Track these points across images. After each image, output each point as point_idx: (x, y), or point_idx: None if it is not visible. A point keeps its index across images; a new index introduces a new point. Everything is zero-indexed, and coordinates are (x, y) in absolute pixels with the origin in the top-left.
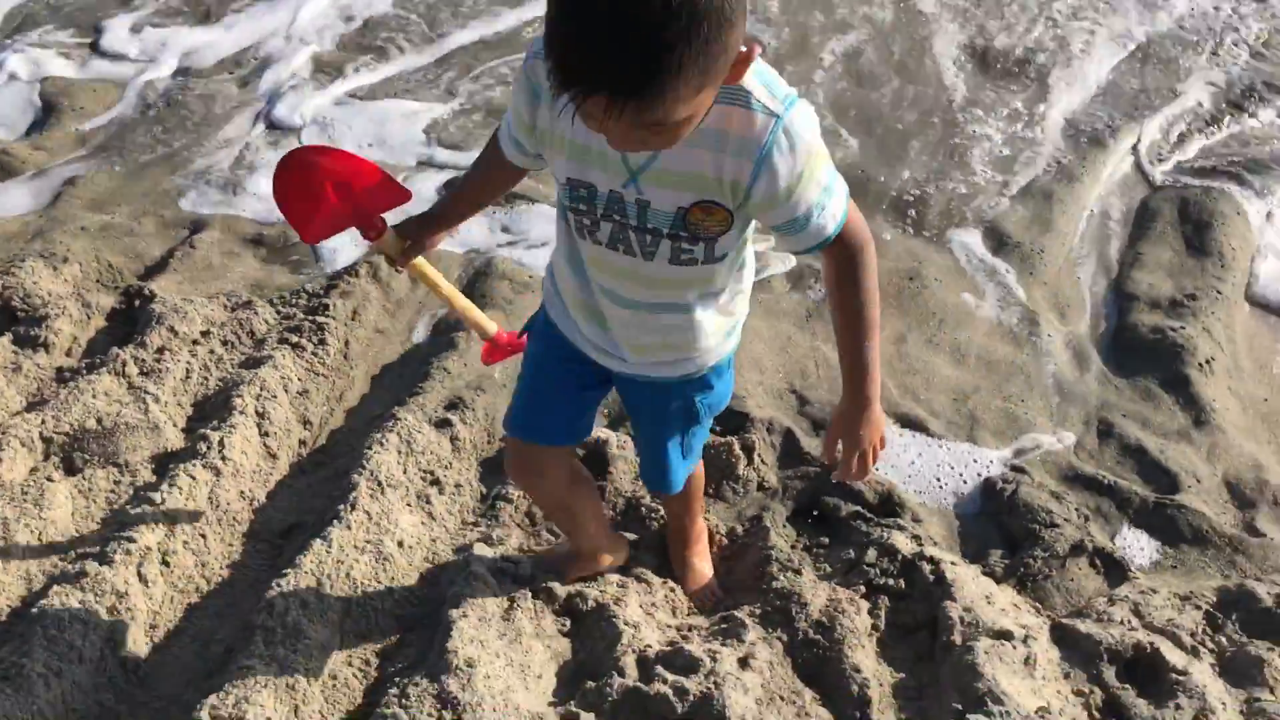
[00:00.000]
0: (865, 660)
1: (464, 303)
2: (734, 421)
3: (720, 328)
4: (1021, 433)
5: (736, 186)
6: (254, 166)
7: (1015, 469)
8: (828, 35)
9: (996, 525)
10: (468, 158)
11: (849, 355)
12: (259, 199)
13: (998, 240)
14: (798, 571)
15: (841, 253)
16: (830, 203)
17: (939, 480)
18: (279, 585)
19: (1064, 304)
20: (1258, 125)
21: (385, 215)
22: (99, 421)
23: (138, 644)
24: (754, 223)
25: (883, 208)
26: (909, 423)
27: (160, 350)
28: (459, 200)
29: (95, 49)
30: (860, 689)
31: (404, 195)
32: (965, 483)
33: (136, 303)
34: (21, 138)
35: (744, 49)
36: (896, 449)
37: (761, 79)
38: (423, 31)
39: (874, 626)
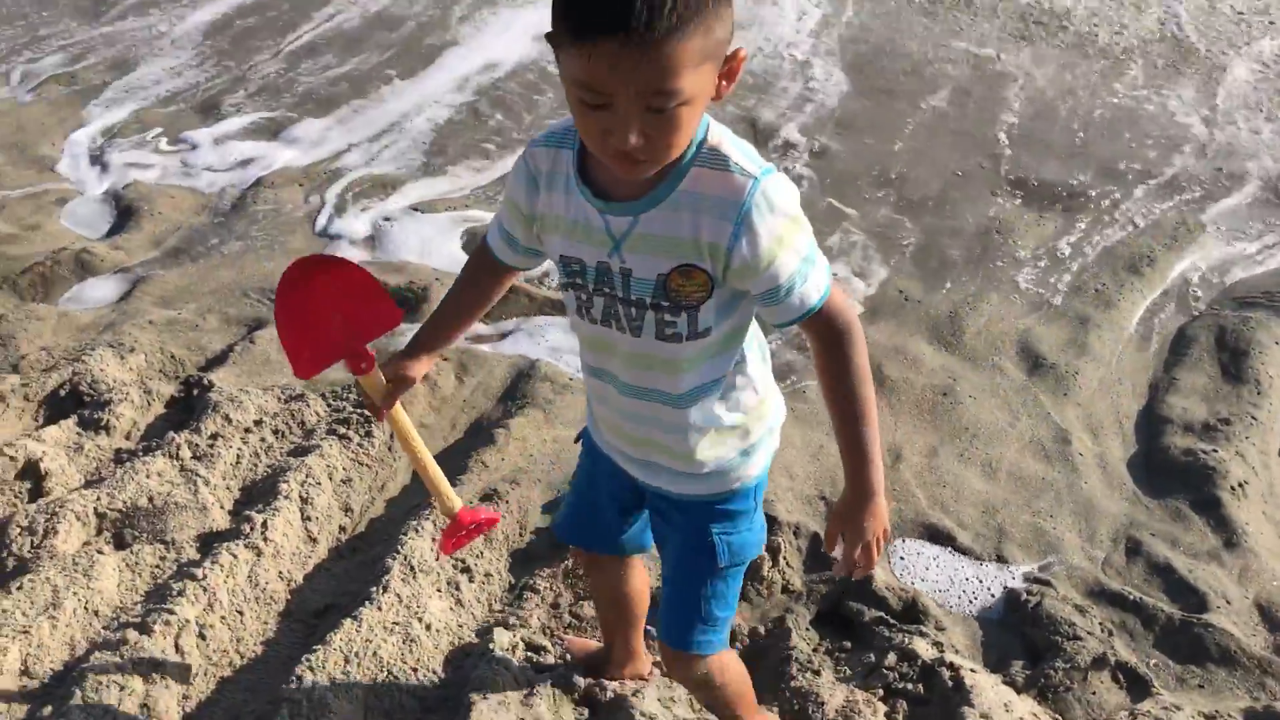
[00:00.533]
0: None
1: (435, 472)
2: None
3: (724, 436)
4: (1049, 548)
5: (716, 249)
6: None
7: (1040, 581)
8: (875, 152)
9: (1019, 636)
10: None
11: (845, 441)
12: None
13: (1033, 360)
14: (817, 672)
15: (827, 330)
16: (812, 274)
17: (964, 590)
18: (308, 661)
19: (1097, 425)
20: None
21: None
22: (150, 500)
23: (170, 712)
24: (744, 307)
25: (920, 325)
26: (937, 534)
27: (214, 436)
28: (442, 320)
29: (175, 158)
30: None
31: (395, 317)
32: (991, 594)
33: (195, 392)
34: (103, 238)
35: (742, 53)
36: (925, 559)
37: (740, 148)
38: (486, 151)
39: None
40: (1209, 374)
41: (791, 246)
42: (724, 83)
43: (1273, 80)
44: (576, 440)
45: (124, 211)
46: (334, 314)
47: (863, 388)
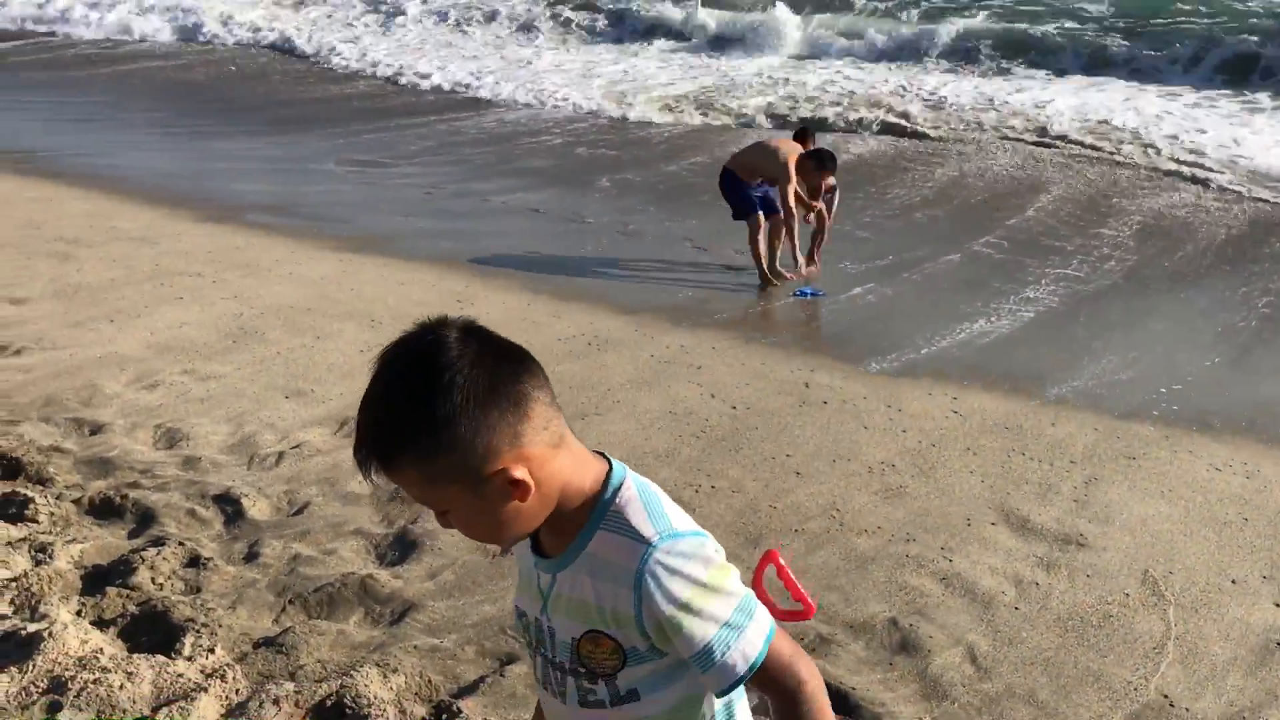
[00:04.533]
0: None
1: None
2: None
3: None
4: None
5: (621, 617)
6: None
7: None
8: None
9: None
10: None
11: None
12: None
13: None
14: None
15: (772, 690)
16: (737, 641)
17: None
18: None
19: None
20: None
21: None
22: None
23: None
24: (692, 674)
25: None
26: None
27: None
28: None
29: None
30: None
31: None
32: None
33: (444, 717)
34: (387, 566)
35: (515, 475)
36: None
37: (648, 508)
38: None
39: None
40: None
41: (703, 613)
42: (513, 499)
43: None
44: None
45: (409, 544)
46: None
47: None
